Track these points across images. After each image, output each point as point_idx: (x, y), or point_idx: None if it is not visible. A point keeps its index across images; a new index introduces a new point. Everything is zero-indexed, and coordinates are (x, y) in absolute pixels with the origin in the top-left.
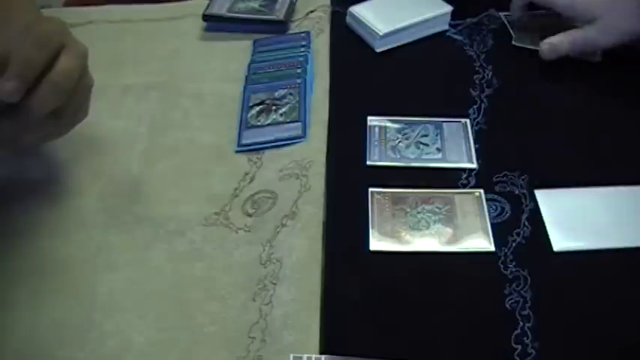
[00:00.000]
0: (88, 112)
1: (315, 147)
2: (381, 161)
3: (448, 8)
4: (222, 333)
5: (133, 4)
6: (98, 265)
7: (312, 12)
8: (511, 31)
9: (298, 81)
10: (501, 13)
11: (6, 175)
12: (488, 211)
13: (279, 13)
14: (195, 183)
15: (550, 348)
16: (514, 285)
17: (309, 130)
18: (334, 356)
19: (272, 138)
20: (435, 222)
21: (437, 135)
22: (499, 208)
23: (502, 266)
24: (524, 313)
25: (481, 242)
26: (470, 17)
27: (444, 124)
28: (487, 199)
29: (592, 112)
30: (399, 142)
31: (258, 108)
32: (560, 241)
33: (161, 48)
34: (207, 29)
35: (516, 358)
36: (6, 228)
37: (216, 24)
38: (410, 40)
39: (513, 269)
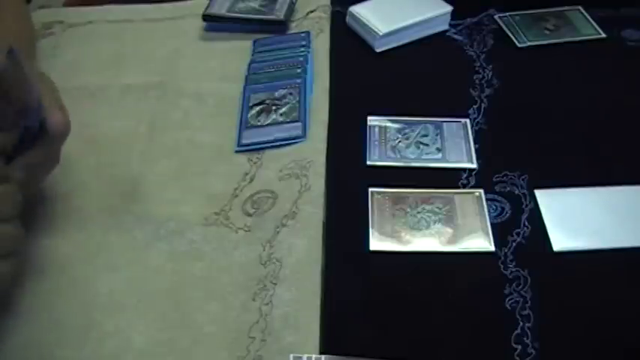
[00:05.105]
0: (59, 160)
1: (315, 147)
2: (381, 161)
3: (448, 8)
4: (222, 333)
5: (133, 4)
6: (98, 265)
7: (312, 12)
8: (510, 34)
9: (298, 81)
10: (497, 16)
11: None
12: (488, 211)
13: (279, 13)
14: (195, 183)
15: (550, 348)
16: (514, 285)
17: (309, 130)
18: (334, 356)
19: (272, 138)
20: (435, 222)
21: (437, 135)
22: (499, 208)
23: (502, 266)
24: (524, 313)
25: (481, 242)
26: (470, 17)
27: (444, 124)
28: (487, 199)
29: (592, 112)
30: (399, 142)
31: (258, 108)
32: (560, 241)
33: (161, 48)
34: (207, 29)
35: (516, 358)
36: None
37: (216, 24)
38: (410, 40)
39: (513, 269)
